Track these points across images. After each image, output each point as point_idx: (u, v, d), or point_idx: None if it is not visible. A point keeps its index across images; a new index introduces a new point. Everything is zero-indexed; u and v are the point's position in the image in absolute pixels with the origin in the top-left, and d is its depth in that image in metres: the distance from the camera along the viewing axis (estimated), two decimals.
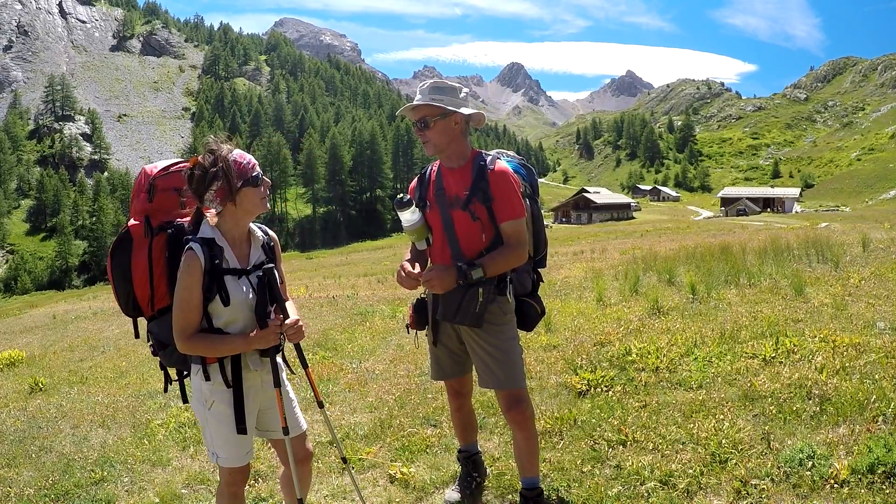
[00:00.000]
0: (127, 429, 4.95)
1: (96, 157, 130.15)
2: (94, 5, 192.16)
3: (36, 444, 4.79)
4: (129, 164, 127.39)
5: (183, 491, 3.67)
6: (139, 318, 2.54)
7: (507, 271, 2.78)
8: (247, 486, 2.96)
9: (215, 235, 2.36)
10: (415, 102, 2.76)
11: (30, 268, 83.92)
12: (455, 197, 2.77)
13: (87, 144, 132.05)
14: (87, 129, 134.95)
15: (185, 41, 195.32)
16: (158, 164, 2.49)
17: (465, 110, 2.74)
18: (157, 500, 3.56)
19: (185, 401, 2.56)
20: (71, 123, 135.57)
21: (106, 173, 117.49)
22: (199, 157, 2.34)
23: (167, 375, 2.62)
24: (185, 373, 2.54)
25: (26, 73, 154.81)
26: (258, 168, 2.39)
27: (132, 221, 2.41)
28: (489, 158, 2.80)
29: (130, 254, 2.39)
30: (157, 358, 2.56)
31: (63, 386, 7.08)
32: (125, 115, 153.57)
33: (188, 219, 2.43)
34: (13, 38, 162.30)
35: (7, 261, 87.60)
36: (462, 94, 2.77)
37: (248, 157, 2.37)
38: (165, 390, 2.68)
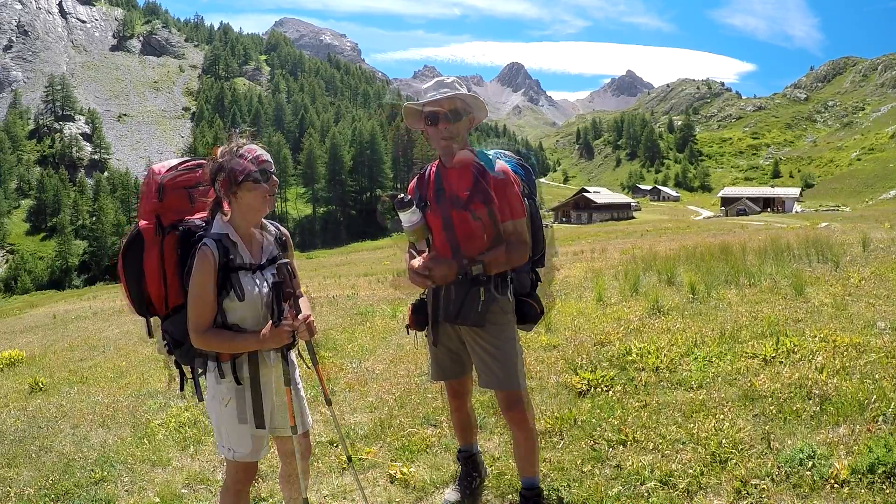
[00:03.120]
0: (127, 429, 4.95)
1: (96, 156, 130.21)
2: (95, 5, 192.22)
3: (36, 444, 4.79)
4: (129, 164, 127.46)
5: (183, 491, 3.67)
6: (152, 318, 2.54)
7: (507, 271, 2.78)
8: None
9: (228, 231, 2.37)
10: (446, 94, 2.65)
11: (30, 267, 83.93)
12: (455, 197, 2.77)
13: (87, 144, 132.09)
14: (87, 129, 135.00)
15: (185, 41, 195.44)
16: (166, 164, 2.50)
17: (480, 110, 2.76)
18: (158, 500, 3.56)
19: (200, 398, 2.56)
20: (71, 123, 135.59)
21: (106, 173, 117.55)
22: (219, 149, 2.38)
23: (182, 373, 2.62)
24: (200, 371, 2.55)
25: (26, 73, 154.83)
26: (266, 166, 2.37)
27: (142, 222, 2.41)
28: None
29: (142, 254, 2.38)
30: (162, 357, 2.55)
31: (63, 386, 7.08)
32: (125, 114, 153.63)
33: (199, 216, 2.44)
34: (13, 38, 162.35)
35: (7, 261, 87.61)
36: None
37: (256, 153, 2.35)
38: (181, 388, 2.67)
